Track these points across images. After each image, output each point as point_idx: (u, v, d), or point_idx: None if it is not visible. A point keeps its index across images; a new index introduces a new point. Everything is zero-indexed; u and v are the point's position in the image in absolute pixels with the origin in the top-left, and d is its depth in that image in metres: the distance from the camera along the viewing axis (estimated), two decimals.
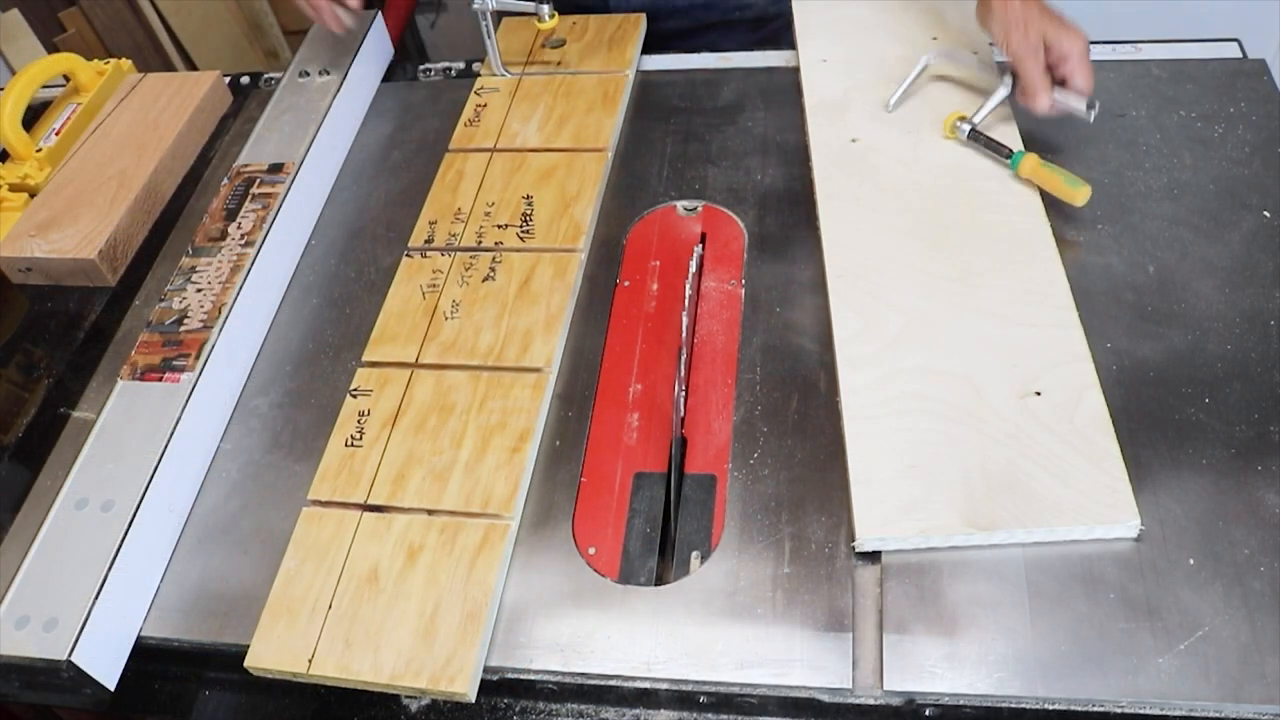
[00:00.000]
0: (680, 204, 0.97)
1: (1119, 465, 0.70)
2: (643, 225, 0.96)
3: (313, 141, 1.01)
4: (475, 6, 1.02)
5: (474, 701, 0.67)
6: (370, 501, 0.76)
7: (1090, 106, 0.88)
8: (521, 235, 0.93)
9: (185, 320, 0.86)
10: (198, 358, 0.83)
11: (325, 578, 0.72)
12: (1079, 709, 0.63)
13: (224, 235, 0.93)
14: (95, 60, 1.17)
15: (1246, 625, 0.63)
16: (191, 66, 1.92)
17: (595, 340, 0.86)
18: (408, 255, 0.93)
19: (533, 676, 0.68)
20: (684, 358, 0.81)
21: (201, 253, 0.92)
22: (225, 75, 1.19)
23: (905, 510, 0.69)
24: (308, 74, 1.08)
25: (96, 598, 0.69)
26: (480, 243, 0.93)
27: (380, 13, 1.17)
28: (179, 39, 1.90)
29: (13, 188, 1.04)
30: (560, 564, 0.72)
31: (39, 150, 1.06)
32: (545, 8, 1.02)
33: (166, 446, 0.77)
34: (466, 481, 0.76)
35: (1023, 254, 0.84)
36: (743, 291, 0.88)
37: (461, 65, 1.17)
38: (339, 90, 1.06)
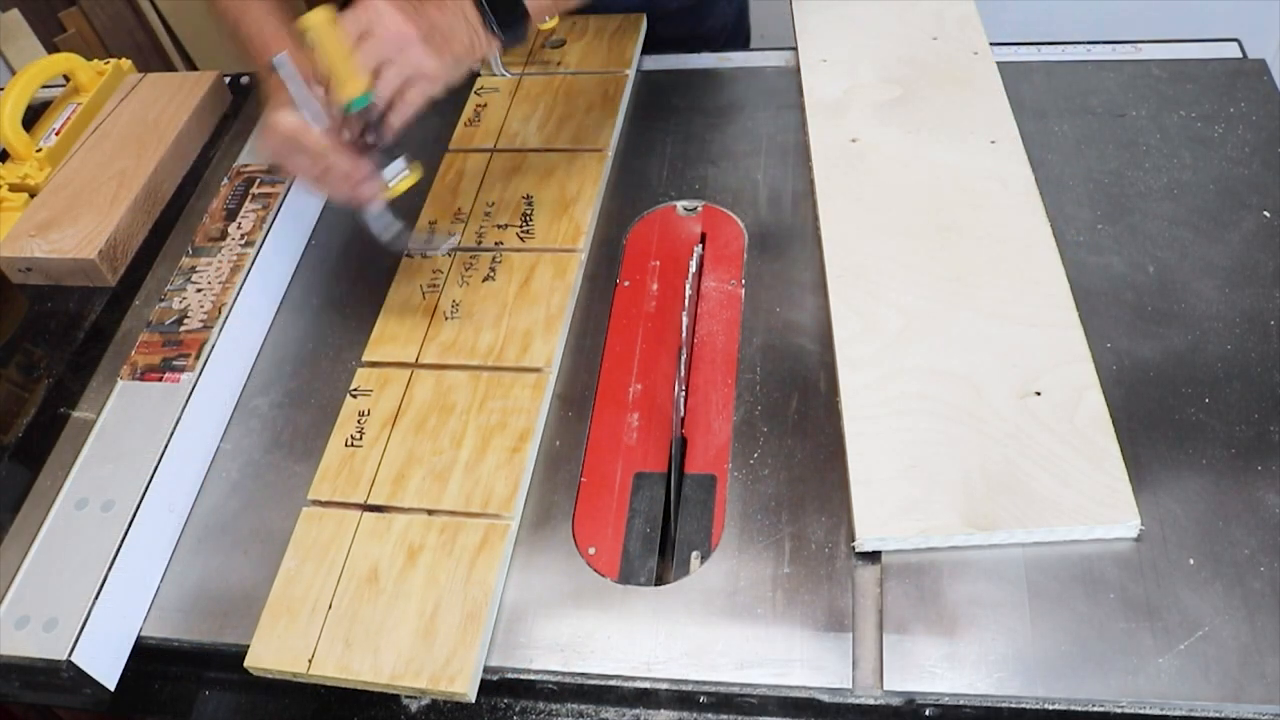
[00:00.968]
0: (680, 204, 0.97)
1: (1119, 465, 0.70)
2: (643, 225, 0.96)
3: None
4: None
5: (474, 701, 0.67)
6: (370, 501, 0.76)
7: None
8: (521, 235, 0.93)
9: (185, 320, 0.86)
10: (198, 358, 0.83)
11: (325, 578, 0.72)
12: (1079, 709, 0.63)
13: (224, 235, 0.93)
14: (95, 60, 1.17)
15: (1246, 625, 0.63)
16: (191, 66, 1.92)
17: (595, 340, 0.86)
18: (407, 255, 0.93)
19: (533, 676, 0.68)
20: (684, 358, 0.81)
21: (201, 253, 0.92)
22: (225, 75, 1.19)
23: (905, 510, 0.69)
24: None
25: (96, 598, 0.69)
26: (480, 243, 0.93)
27: None
28: (179, 39, 1.90)
29: (13, 188, 1.04)
30: (560, 564, 0.72)
31: (39, 150, 1.06)
32: None
33: (166, 446, 0.77)
34: (466, 481, 0.76)
35: (1023, 254, 0.84)
36: (743, 291, 0.88)
37: None
38: None
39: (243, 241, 0.92)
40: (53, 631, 0.68)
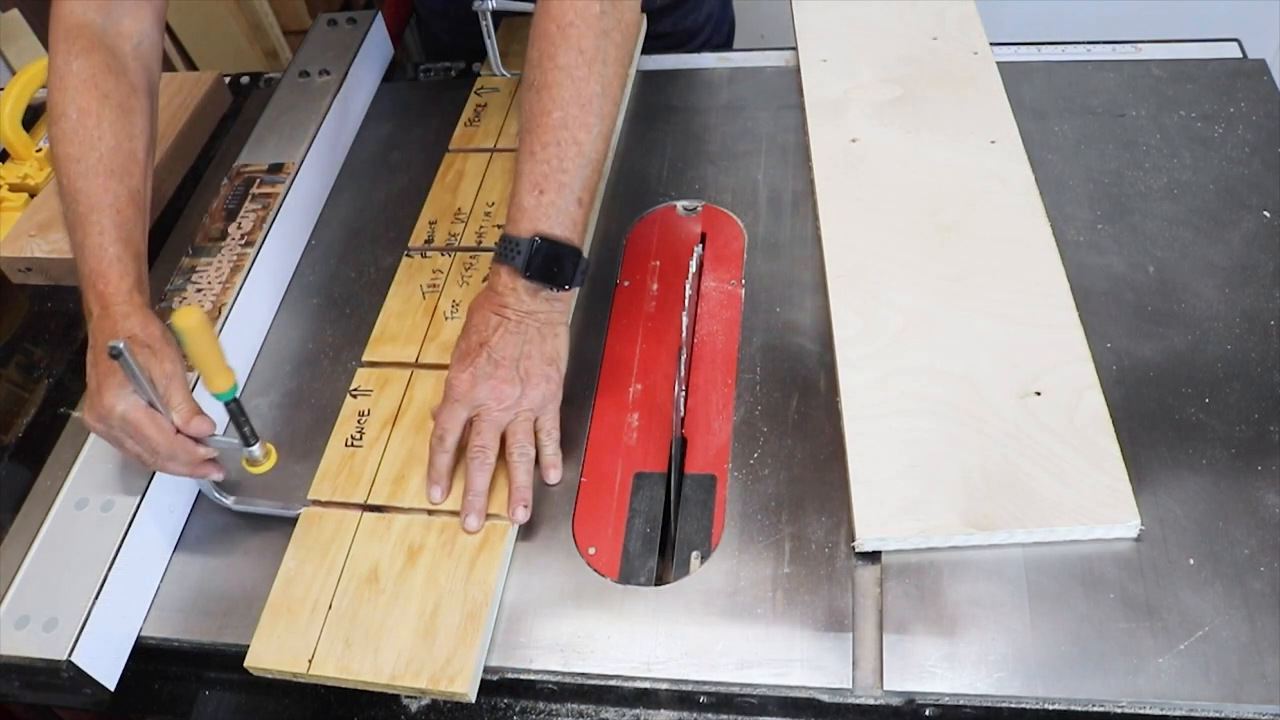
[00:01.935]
0: (680, 204, 0.97)
1: (1119, 465, 0.70)
2: (643, 225, 0.96)
3: (313, 141, 1.01)
4: (475, 5, 1.02)
5: (474, 701, 0.67)
6: (370, 501, 0.76)
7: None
8: None
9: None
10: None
11: (325, 578, 0.72)
12: (1079, 709, 0.63)
13: (224, 235, 0.93)
14: None
15: (1246, 625, 0.63)
16: (191, 67, 1.92)
17: (595, 340, 0.86)
18: (408, 255, 0.93)
19: (533, 676, 0.68)
20: (684, 358, 0.81)
21: (201, 253, 0.92)
22: (225, 75, 1.19)
23: (905, 510, 0.69)
24: (308, 74, 1.08)
25: (96, 598, 0.69)
26: (480, 242, 0.93)
27: (380, 13, 1.17)
28: (179, 39, 1.90)
29: (13, 188, 1.04)
30: (560, 564, 0.72)
31: (39, 150, 1.07)
32: None
33: None
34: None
35: (1023, 254, 0.84)
36: (743, 291, 0.88)
37: (462, 65, 1.17)
38: (339, 90, 1.06)
39: (243, 241, 0.92)
40: (53, 631, 0.68)
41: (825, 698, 0.65)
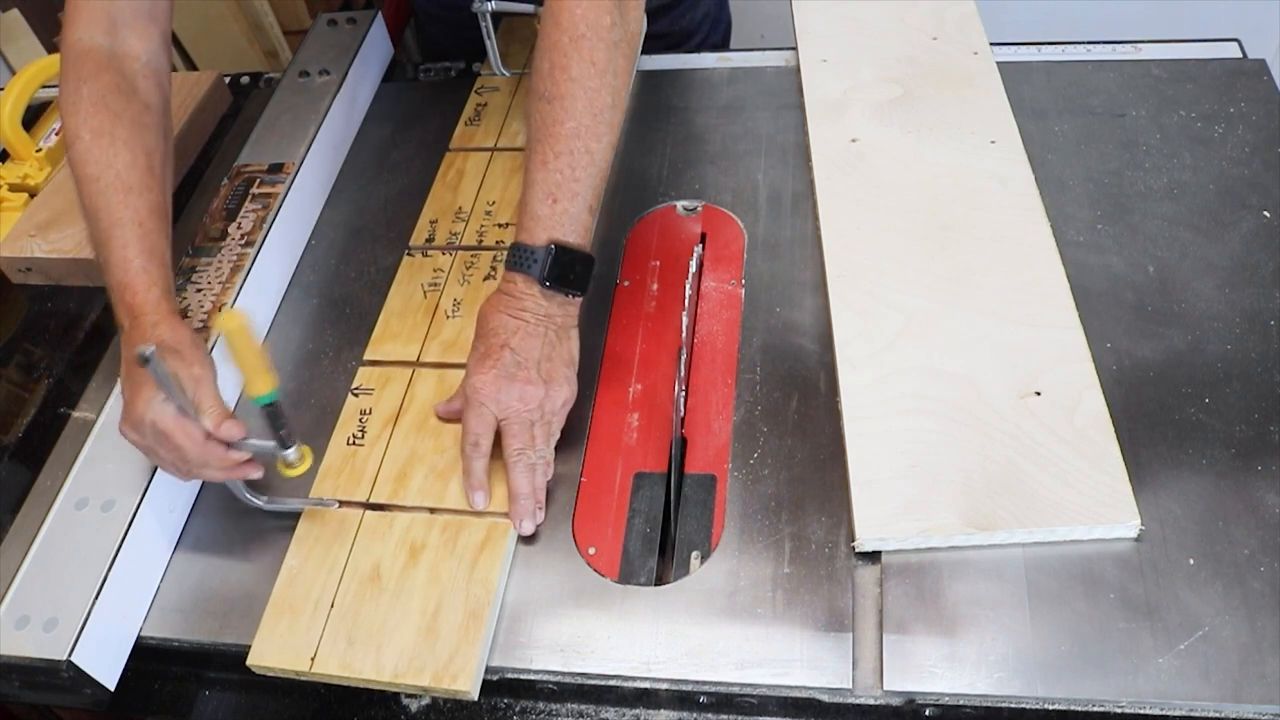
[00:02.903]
0: (680, 204, 0.97)
1: (1119, 465, 0.70)
2: (643, 225, 0.96)
3: (313, 141, 1.01)
4: (475, 7, 1.02)
5: (475, 701, 0.67)
6: (372, 500, 0.76)
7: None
8: None
9: (185, 320, 0.86)
10: None
11: (327, 576, 0.72)
12: (1079, 709, 0.63)
13: (224, 235, 0.93)
14: None
15: (1246, 625, 0.63)
16: (191, 66, 1.92)
17: (595, 340, 0.86)
18: (409, 254, 0.93)
19: (533, 676, 0.68)
20: (684, 358, 0.81)
21: (201, 253, 0.92)
22: (225, 75, 1.19)
23: (905, 510, 0.69)
24: (308, 74, 1.08)
25: (96, 598, 0.69)
26: (481, 241, 0.93)
27: (380, 13, 1.17)
28: (179, 39, 1.90)
29: (13, 188, 1.04)
30: (560, 564, 0.72)
31: (39, 150, 1.06)
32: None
33: None
34: None
35: (1023, 254, 0.84)
36: (743, 291, 0.88)
37: (461, 65, 1.17)
38: (339, 90, 1.06)
39: (243, 241, 0.92)
40: (53, 631, 0.68)
41: (825, 698, 0.65)
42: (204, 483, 0.80)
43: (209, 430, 0.69)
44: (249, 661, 0.69)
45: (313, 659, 0.68)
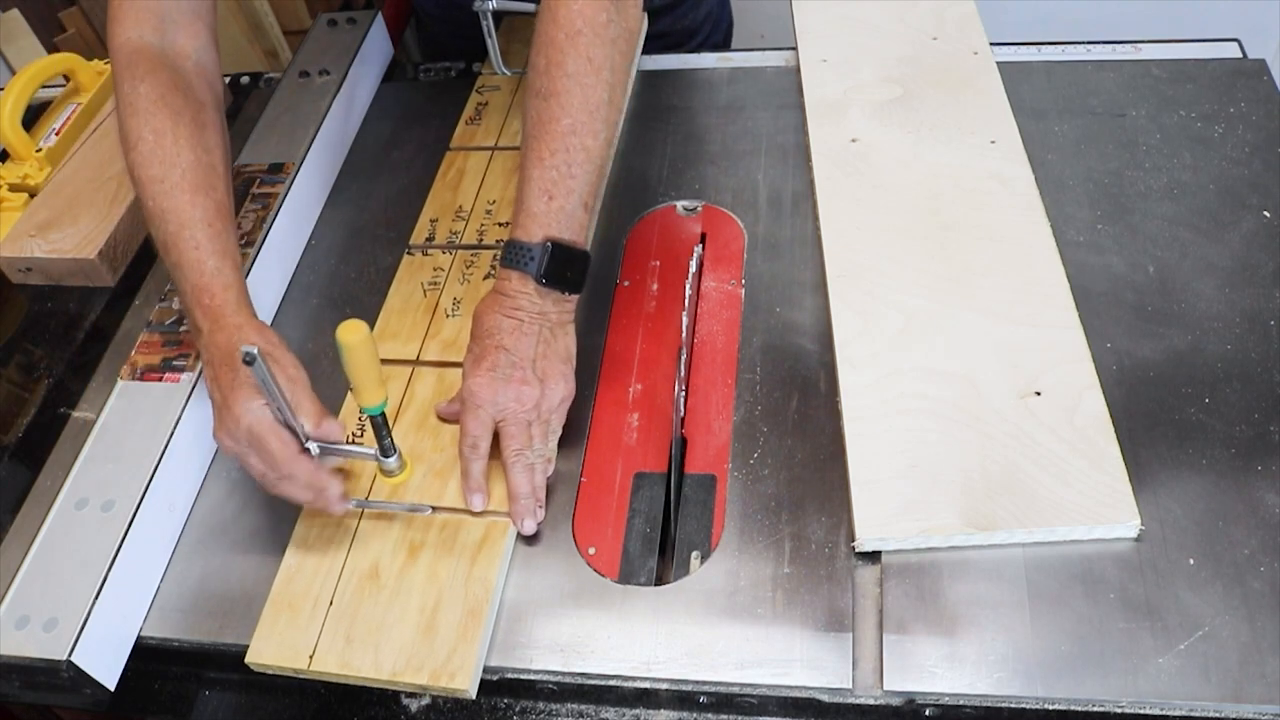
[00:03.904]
0: (680, 204, 0.97)
1: (1119, 465, 0.70)
2: (643, 225, 0.96)
3: (312, 141, 1.01)
4: (476, 6, 1.02)
5: (474, 700, 0.67)
6: (371, 499, 0.76)
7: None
8: None
9: (185, 320, 0.86)
10: (198, 358, 0.83)
11: (326, 574, 0.72)
12: (1079, 709, 0.63)
13: None
14: (95, 60, 1.17)
15: (1246, 625, 0.63)
16: None
17: (595, 340, 0.86)
18: (409, 253, 0.93)
19: (533, 676, 0.68)
20: (684, 358, 0.81)
21: None
22: (225, 75, 1.19)
23: (905, 510, 0.69)
24: (308, 74, 1.08)
25: (96, 598, 0.69)
26: (482, 240, 0.93)
27: (380, 13, 1.17)
28: None
29: (13, 188, 1.04)
30: (560, 564, 0.72)
31: (39, 150, 1.06)
32: None
33: (166, 446, 0.77)
34: None
35: (1023, 254, 0.84)
36: (743, 291, 0.88)
37: (461, 65, 1.17)
38: (339, 90, 1.06)
39: (243, 241, 0.92)
40: (53, 631, 0.68)
41: (825, 698, 0.65)
42: (204, 481, 0.80)
43: (308, 431, 0.69)
44: (247, 659, 0.69)
45: (311, 657, 0.68)
